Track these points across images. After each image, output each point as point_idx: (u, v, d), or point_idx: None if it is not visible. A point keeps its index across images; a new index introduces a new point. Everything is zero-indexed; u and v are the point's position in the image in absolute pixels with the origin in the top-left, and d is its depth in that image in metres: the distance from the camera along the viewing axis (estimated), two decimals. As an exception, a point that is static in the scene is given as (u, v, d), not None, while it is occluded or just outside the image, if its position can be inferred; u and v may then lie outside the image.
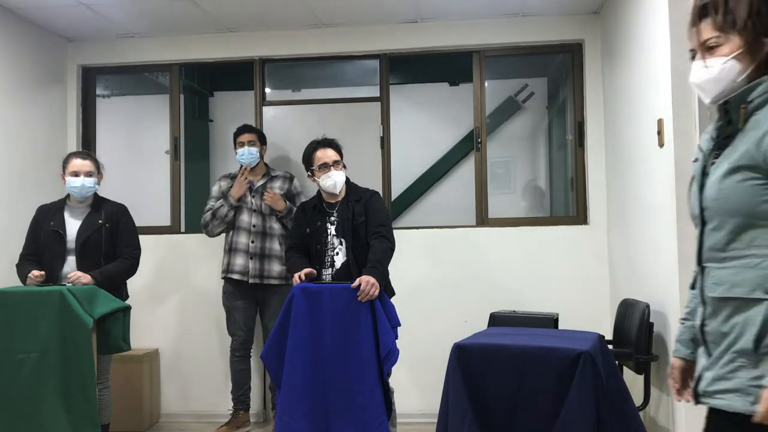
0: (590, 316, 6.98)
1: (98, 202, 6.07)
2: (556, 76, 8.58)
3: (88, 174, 5.94)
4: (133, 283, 6.27)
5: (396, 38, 7.91)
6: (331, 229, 5.88)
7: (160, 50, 8.19)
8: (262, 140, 7.34)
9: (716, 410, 2.81)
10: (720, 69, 2.76)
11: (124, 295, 6.10)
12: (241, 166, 7.18)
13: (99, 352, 5.44)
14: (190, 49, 8.15)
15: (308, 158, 6.00)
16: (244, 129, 7.36)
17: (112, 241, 5.98)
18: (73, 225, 5.95)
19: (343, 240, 5.83)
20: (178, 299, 7.96)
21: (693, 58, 2.88)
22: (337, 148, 6.01)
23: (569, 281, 7.34)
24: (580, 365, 3.10)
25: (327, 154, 5.93)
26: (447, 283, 7.64)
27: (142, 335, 7.68)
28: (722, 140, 2.85)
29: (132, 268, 6.09)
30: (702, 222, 2.88)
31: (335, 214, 5.91)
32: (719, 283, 2.79)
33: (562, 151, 8.29)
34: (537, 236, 7.59)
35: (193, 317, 7.92)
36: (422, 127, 8.61)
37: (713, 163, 2.85)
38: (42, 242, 5.96)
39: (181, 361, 7.94)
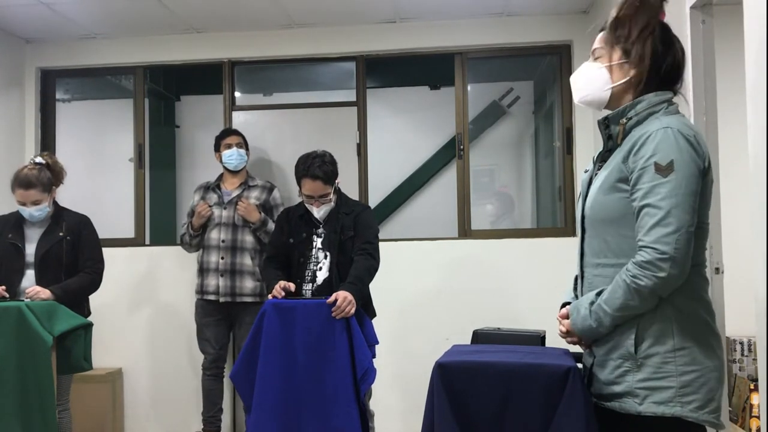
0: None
1: (59, 213, 6.03)
2: (543, 79, 8.62)
3: (35, 203, 5.84)
4: (95, 299, 6.22)
5: (373, 39, 7.94)
6: (317, 242, 5.84)
7: (124, 52, 8.20)
8: (247, 145, 7.38)
9: (611, 412, 3.15)
10: (590, 74, 3.24)
11: (85, 311, 6.07)
12: (203, 198, 7.21)
13: (59, 372, 5.39)
14: (156, 50, 8.16)
15: (297, 177, 5.80)
16: (231, 131, 7.45)
17: (74, 254, 5.94)
18: (31, 237, 5.91)
19: (328, 254, 5.78)
20: (142, 315, 7.96)
21: None
22: (328, 178, 5.72)
23: (557, 296, 7.30)
24: (570, 381, 3.15)
25: (314, 188, 5.71)
26: (427, 299, 7.66)
27: (105, 354, 7.65)
28: (605, 153, 3.24)
29: (94, 282, 6.04)
30: (582, 230, 3.25)
31: (323, 227, 5.87)
32: (594, 288, 3.15)
33: (550, 158, 8.33)
34: (523, 249, 7.62)
35: (159, 335, 7.91)
36: (401, 133, 8.63)
37: (596, 175, 3.23)
38: (-1, 255, 5.95)
39: (146, 381, 7.93)
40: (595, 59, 3.25)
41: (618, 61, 3.16)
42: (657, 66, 3.14)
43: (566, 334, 3.30)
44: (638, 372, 3.02)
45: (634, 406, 3.02)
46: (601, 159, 3.28)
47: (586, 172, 3.39)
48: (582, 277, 3.29)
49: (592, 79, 3.20)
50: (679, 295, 3.00)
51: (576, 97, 3.30)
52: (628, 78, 3.15)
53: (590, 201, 3.18)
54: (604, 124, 3.21)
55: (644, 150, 2.95)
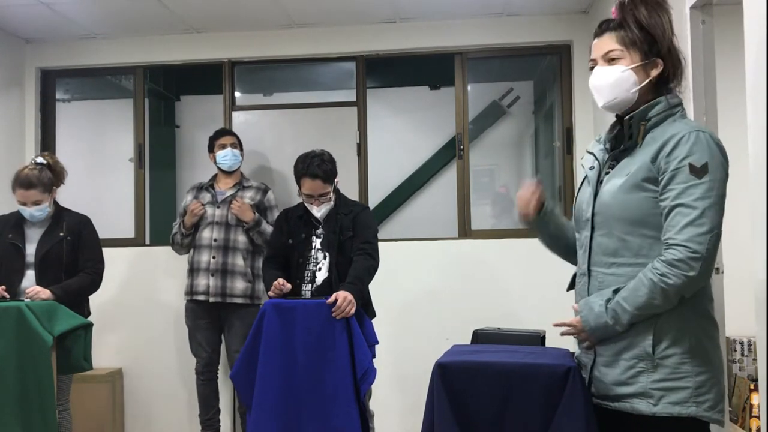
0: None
1: (59, 213, 6.04)
2: (543, 80, 8.62)
3: (35, 203, 5.85)
4: (95, 299, 6.23)
5: (373, 39, 7.94)
6: (317, 242, 5.84)
7: (124, 52, 8.20)
8: (241, 146, 7.36)
9: (618, 412, 3.14)
10: (617, 77, 3.14)
11: (85, 311, 6.08)
12: (195, 198, 7.18)
13: (59, 372, 5.40)
14: (156, 50, 8.16)
15: (296, 177, 5.85)
16: (225, 131, 7.41)
17: (74, 254, 5.95)
18: (32, 237, 5.92)
19: (327, 254, 5.78)
20: (143, 316, 7.95)
21: (591, 68, 3.27)
22: (327, 177, 5.77)
23: (557, 296, 7.26)
24: (570, 381, 3.15)
25: (314, 187, 5.74)
26: (427, 299, 7.66)
27: (105, 354, 7.65)
28: (619, 152, 3.23)
29: (95, 283, 6.05)
30: (591, 227, 3.21)
31: (322, 227, 5.88)
32: (607, 287, 3.13)
33: (550, 158, 8.32)
34: (523, 249, 7.60)
35: (159, 335, 7.91)
36: (401, 133, 8.62)
37: (608, 173, 3.22)
38: (-1, 255, 5.95)
39: (146, 381, 7.92)
40: (612, 61, 3.19)
41: (641, 62, 3.14)
42: (677, 64, 3.19)
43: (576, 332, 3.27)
44: (654, 373, 3.02)
45: (648, 407, 3.01)
46: (614, 158, 3.27)
47: (592, 168, 3.35)
48: (588, 276, 3.26)
49: (620, 82, 3.15)
50: (695, 295, 3.03)
51: (601, 102, 3.24)
52: (650, 78, 3.15)
53: (606, 199, 3.16)
54: (628, 124, 3.18)
55: (678, 151, 2.96)
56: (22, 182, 5.83)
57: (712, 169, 2.92)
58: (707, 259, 2.90)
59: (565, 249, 3.60)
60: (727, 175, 3.00)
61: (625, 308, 3.01)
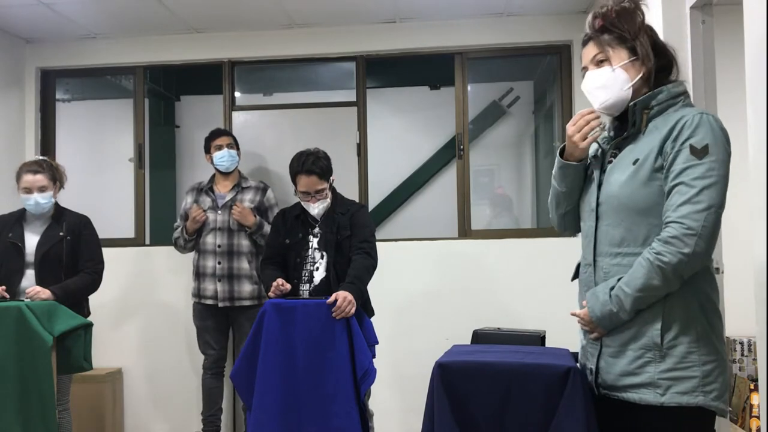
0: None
1: (59, 213, 6.05)
2: (543, 79, 8.61)
3: (41, 189, 5.86)
4: (94, 299, 6.23)
5: (373, 39, 7.93)
6: (314, 242, 5.83)
7: (124, 52, 8.19)
8: (237, 145, 7.35)
9: (623, 403, 3.14)
10: (607, 77, 3.18)
11: (85, 311, 6.08)
12: (196, 201, 7.17)
13: (59, 372, 5.39)
14: (156, 50, 8.16)
15: (292, 175, 5.84)
16: (221, 132, 7.37)
17: (74, 254, 5.96)
18: (32, 237, 5.93)
19: (324, 254, 5.77)
20: (142, 316, 7.95)
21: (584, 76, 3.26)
22: (323, 173, 5.75)
23: (557, 296, 7.26)
24: (570, 381, 3.15)
25: (310, 183, 5.73)
26: (427, 299, 7.66)
27: (105, 354, 7.65)
28: (621, 140, 3.23)
29: (94, 283, 6.06)
30: (596, 217, 3.22)
31: (319, 227, 5.87)
32: (613, 277, 3.14)
33: (550, 158, 8.30)
34: (523, 249, 7.62)
35: (158, 335, 7.91)
36: (401, 133, 8.61)
37: (610, 162, 3.24)
38: (-1, 255, 5.94)
39: (146, 381, 7.93)
40: (600, 63, 3.24)
41: (628, 59, 3.17)
42: (661, 56, 3.20)
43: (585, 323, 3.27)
44: (661, 362, 3.02)
45: (656, 397, 3.02)
46: (616, 146, 3.28)
47: (596, 158, 3.36)
48: (594, 266, 3.27)
49: (611, 83, 3.19)
50: (703, 283, 3.06)
51: (596, 105, 3.27)
52: (641, 74, 3.16)
53: (614, 189, 3.16)
54: (632, 110, 3.19)
55: (682, 135, 2.98)
56: (29, 168, 5.92)
57: (713, 151, 2.94)
58: (703, 236, 2.90)
59: (573, 205, 3.49)
60: (729, 156, 3.00)
61: (626, 292, 3.02)
